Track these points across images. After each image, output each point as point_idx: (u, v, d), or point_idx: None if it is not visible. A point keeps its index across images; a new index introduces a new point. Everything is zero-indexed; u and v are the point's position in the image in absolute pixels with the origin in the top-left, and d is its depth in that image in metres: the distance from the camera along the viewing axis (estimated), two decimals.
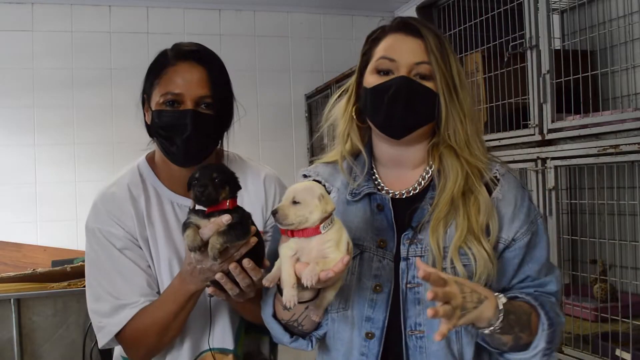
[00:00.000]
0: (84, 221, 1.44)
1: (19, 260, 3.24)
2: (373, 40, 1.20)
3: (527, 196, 1.17)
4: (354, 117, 1.23)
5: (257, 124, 3.90)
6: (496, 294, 1.02)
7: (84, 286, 1.43)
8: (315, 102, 3.89)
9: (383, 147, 1.21)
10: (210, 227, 1.13)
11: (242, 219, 1.18)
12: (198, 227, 1.16)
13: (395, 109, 1.13)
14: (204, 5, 3.78)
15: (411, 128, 1.15)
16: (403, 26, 1.16)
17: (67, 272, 2.56)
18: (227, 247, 1.15)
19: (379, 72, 1.16)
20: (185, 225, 1.17)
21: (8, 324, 2.54)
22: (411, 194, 1.18)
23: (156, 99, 1.33)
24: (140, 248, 1.37)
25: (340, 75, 3.40)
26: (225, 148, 1.49)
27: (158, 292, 1.37)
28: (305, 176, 1.29)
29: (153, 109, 1.34)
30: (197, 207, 1.19)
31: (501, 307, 1.00)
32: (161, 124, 1.32)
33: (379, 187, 1.21)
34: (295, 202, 1.02)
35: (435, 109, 1.14)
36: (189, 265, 1.22)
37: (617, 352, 1.68)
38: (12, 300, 2.53)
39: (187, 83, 1.30)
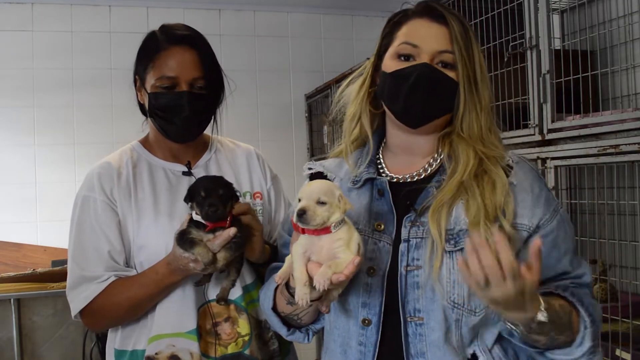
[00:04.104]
0: None
1: (19, 260, 3.24)
2: (395, 23, 1.16)
3: (545, 185, 1.13)
4: (368, 101, 1.20)
5: (257, 124, 3.90)
6: (541, 306, 0.95)
7: None
8: (315, 102, 3.89)
9: (396, 133, 1.19)
10: (219, 242, 1.24)
11: (241, 230, 1.27)
12: (201, 240, 1.25)
13: (415, 98, 1.10)
14: (204, 5, 3.78)
15: (429, 118, 1.12)
16: (428, 11, 1.12)
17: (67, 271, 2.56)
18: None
19: (400, 56, 1.12)
20: (191, 241, 1.25)
21: (8, 324, 2.54)
22: (415, 179, 1.15)
23: (151, 81, 1.40)
24: (117, 214, 1.41)
25: (340, 75, 3.39)
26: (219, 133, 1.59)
27: (125, 263, 1.41)
28: (310, 168, 1.29)
29: (149, 91, 1.41)
30: (196, 218, 1.27)
31: (539, 319, 0.94)
32: (158, 106, 1.40)
33: (381, 173, 1.19)
34: (320, 203, 1.02)
35: (455, 99, 1.11)
36: (184, 266, 1.29)
37: (617, 352, 1.68)
38: (12, 300, 2.54)
39: (181, 66, 1.38)
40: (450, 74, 1.09)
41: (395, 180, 1.17)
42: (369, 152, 1.21)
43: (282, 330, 1.23)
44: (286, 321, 1.22)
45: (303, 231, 1.04)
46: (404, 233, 1.09)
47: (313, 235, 1.03)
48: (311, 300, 1.04)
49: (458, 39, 1.08)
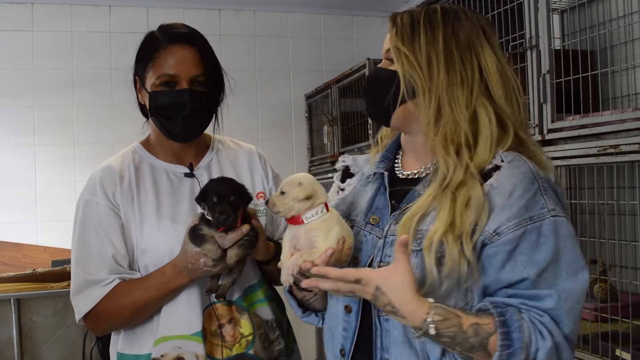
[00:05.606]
0: None
1: (19, 260, 3.24)
2: None
3: (536, 190, 0.99)
4: None
5: (257, 124, 3.90)
6: (429, 319, 0.93)
7: None
8: (315, 102, 3.89)
9: (402, 134, 1.23)
10: (231, 238, 1.26)
11: (252, 228, 1.29)
12: (212, 237, 1.27)
13: (365, 100, 1.21)
14: (204, 5, 3.78)
15: (381, 114, 1.16)
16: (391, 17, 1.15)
17: (67, 272, 2.55)
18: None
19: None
20: (201, 238, 1.26)
21: (8, 324, 2.54)
22: (410, 177, 1.17)
23: (151, 80, 1.39)
24: (120, 218, 1.40)
25: (340, 75, 3.39)
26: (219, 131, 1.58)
27: (129, 267, 1.40)
28: (343, 161, 1.34)
29: (149, 90, 1.40)
30: (207, 216, 1.29)
31: (426, 330, 0.94)
32: (159, 104, 1.39)
33: (394, 169, 1.22)
34: (282, 193, 1.12)
35: (401, 89, 1.07)
36: (192, 265, 1.28)
37: (617, 352, 1.68)
38: (12, 300, 2.54)
39: (181, 64, 1.37)
40: (392, 67, 1.11)
41: (403, 177, 1.19)
42: (387, 149, 1.25)
43: (298, 312, 1.29)
44: (301, 304, 1.28)
45: (289, 221, 1.14)
46: (386, 229, 1.11)
47: (292, 224, 1.12)
48: (301, 288, 1.12)
49: (402, 35, 1.07)
